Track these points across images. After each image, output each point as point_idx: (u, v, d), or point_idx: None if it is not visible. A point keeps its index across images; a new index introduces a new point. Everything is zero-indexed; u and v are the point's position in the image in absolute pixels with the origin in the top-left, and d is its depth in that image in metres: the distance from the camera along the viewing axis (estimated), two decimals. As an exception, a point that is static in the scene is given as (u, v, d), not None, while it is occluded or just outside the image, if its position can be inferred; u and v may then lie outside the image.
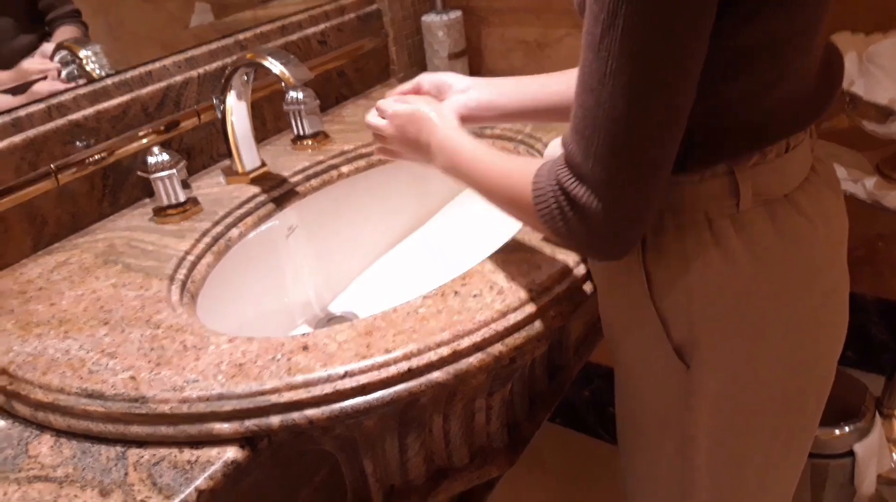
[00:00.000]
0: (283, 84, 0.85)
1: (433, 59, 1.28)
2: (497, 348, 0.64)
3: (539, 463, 1.59)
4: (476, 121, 0.78)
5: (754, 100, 0.56)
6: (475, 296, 0.68)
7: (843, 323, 0.68)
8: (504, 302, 0.67)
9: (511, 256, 0.74)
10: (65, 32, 0.96)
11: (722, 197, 0.59)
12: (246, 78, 0.91)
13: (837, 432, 1.16)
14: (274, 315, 0.95)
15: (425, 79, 0.81)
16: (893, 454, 1.40)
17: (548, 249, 0.74)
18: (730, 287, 0.60)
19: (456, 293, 0.69)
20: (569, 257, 0.72)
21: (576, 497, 1.53)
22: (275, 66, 0.85)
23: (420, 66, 1.32)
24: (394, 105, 0.76)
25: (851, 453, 1.16)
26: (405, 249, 1.08)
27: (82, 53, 0.99)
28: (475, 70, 1.36)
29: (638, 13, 0.47)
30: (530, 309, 0.67)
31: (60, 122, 0.86)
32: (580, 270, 0.72)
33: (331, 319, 0.99)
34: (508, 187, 0.61)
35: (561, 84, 0.76)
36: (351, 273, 1.04)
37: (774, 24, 0.53)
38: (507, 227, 0.81)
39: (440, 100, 0.78)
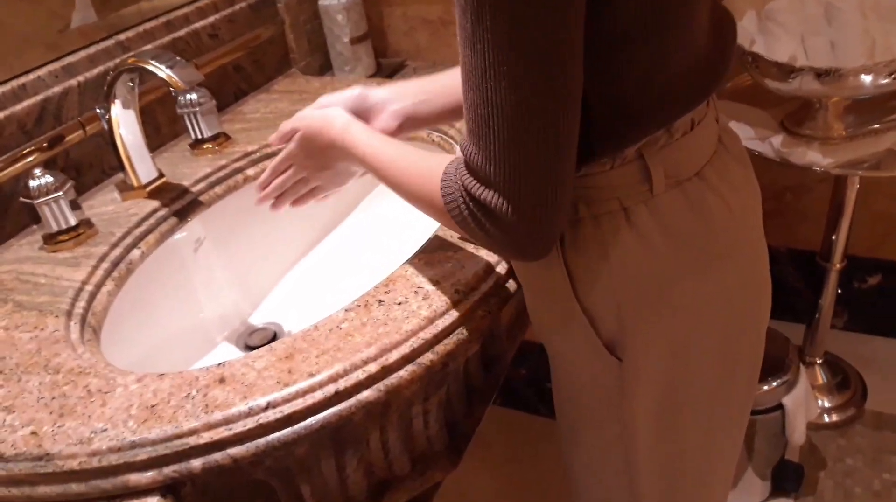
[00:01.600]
0: (171, 89, 0.79)
1: (335, 44, 1.23)
2: (428, 357, 0.61)
3: (482, 446, 1.59)
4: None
5: (648, 79, 0.55)
6: (400, 303, 0.65)
7: (767, 288, 0.69)
8: (430, 307, 0.64)
9: (433, 257, 0.71)
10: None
11: (634, 183, 0.58)
12: (131, 84, 0.84)
13: (766, 387, 1.19)
14: (190, 336, 0.89)
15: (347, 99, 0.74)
16: (819, 401, 1.46)
17: (470, 246, 0.71)
18: (650, 272, 0.59)
19: (380, 302, 0.66)
20: (492, 253, 0.70)
21: (524, 476, 1.54)
22: (160, 69, 0.78)
23: (321, 51, 1.26)
24: (293, 121, 0.72)
25: (780, 406, 1.20)
26: (323, 252, 1.04)
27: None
28: (381, 52, 1.31)
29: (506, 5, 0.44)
30: (458, 311, 0.64)
31: (-78, 149, 0.78)
32: (504, 265, 0.69)
33: (252, 332, 0.94)
34: (426, 191, 0.58)
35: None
36: (269, 281, 0.99)
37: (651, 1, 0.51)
38: (426, 224, 0.78)
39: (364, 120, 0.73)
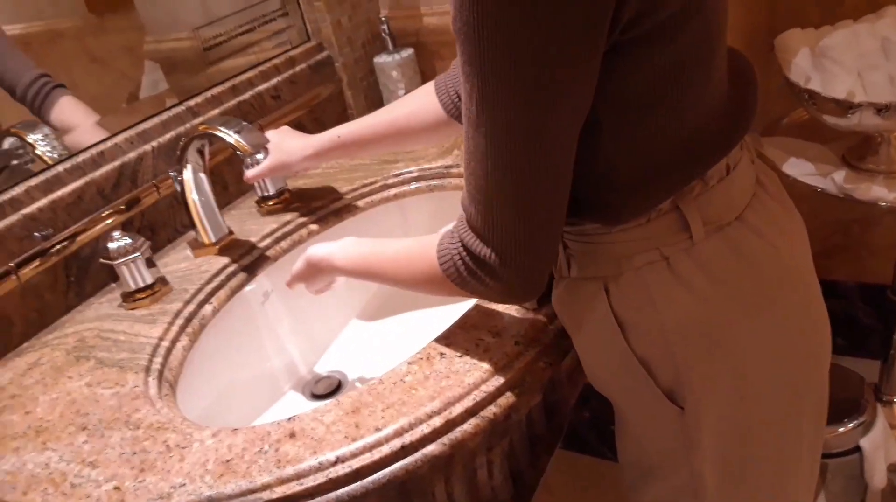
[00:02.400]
0: (238, 153, 0.83)
1: (390, 98, 1.27)
2: (491, 410, 0.62)
3: (546, 491, 1.57)
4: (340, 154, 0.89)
5: (670, 136, 0.56)
6: (461, 355, 0.66)
7: (824, 325, 0.68)
8: (492, 359, 0.65)
9: (491, 307, 0.72)
10: (62, 103, 0.92)
11: (673, 233, 0.58)
12: (201, 149, 0.89)
13: (841, 429, 1.15)
14: (259, 385, 0.92)
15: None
16: (897, 441, 1.40)
17: (529, 296, 0.72)
18: (701, 319, 0.59)
19: (441, 355, 0.67)
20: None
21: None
22: (228, 136, 0.83)
23: (377, 106, 1.30)
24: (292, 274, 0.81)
25: (858, 449, 1.15)
26: (384, 299, 1.06)
27: (31, 138, 0.96)
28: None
29: (505, 91, 0.48)
30: (520, 363, 0.65)
31: (14, 217, 0.83)
32: (565, 316, 0.70)
33: (318, 380, 0.96)
34: (423, 265, 0.62)
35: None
36: (332, 331, 1.02)
37: (662, 60, 0.53)
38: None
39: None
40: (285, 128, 0.97)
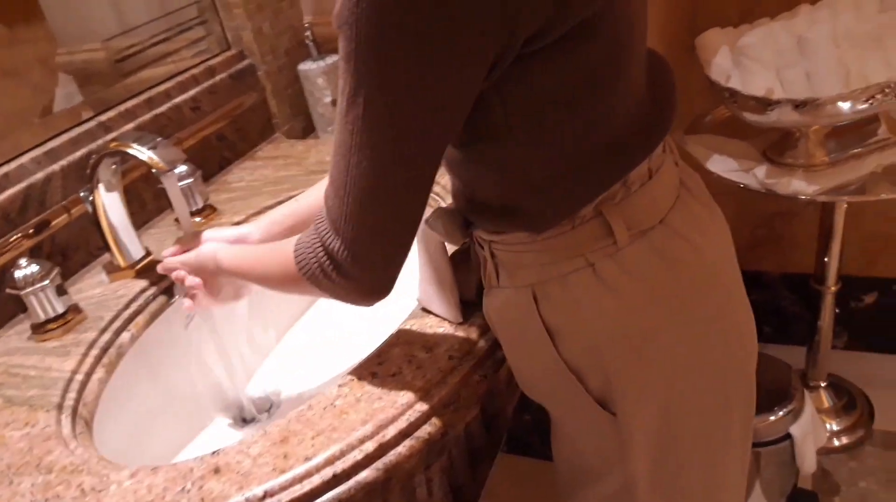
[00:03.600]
0: (153, 171, 0.79)
1: (316, 107, 1.24)
2: (426, 430, 0.60)
3: (490, 497, 1.56)
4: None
5: (585, 140, 0.56)
6: (394, 375, 0.64)
7: (749, 323, 0.69)
8: (425, 377, 0.63)
9: (425, 320, 0.70)
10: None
11: (597, 239, 0.58)
12: (114, 167, 0.85)
13: (772, 418, 1.18)
14: (185, 414, 0.88)
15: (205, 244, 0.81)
16: (826, 425, 1.45)
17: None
18: (627, 323, 0.60)
19: (373, 375, 0.65)
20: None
21: (533, 524, 1.51)
22: (142, 152, 0.79)
23: (304, 114, 1.27)
24: (179, 259, 0.79)
25: (788, 436, 1.18)
26: (315, 317, 1.03)
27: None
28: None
29: (374, 95, 0.49)
30: (454, 378, 0.64)
31: None
32: (498, 328, 0.69)
33: (247, 403, 0.92)
34: (281, 263, 0.62)
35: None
36: (261, 351, 0.98)
37: (572, 68, 0.52)
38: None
39: None
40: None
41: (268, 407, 0.91)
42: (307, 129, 1.28)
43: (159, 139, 0.80)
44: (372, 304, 0.59)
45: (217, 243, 0.76)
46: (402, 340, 0.68)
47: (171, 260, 0.79)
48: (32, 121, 0.95)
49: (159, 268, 0.82)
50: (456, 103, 0.51)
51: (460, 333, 0.68)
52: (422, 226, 0.68)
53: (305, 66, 1.21)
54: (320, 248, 0.57)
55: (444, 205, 0.89)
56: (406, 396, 0.61)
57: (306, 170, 1.08)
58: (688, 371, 0.62)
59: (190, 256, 0.77)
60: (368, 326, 0.92)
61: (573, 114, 0.54)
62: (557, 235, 0.58)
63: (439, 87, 0.49)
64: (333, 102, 1.23)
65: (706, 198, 0.67)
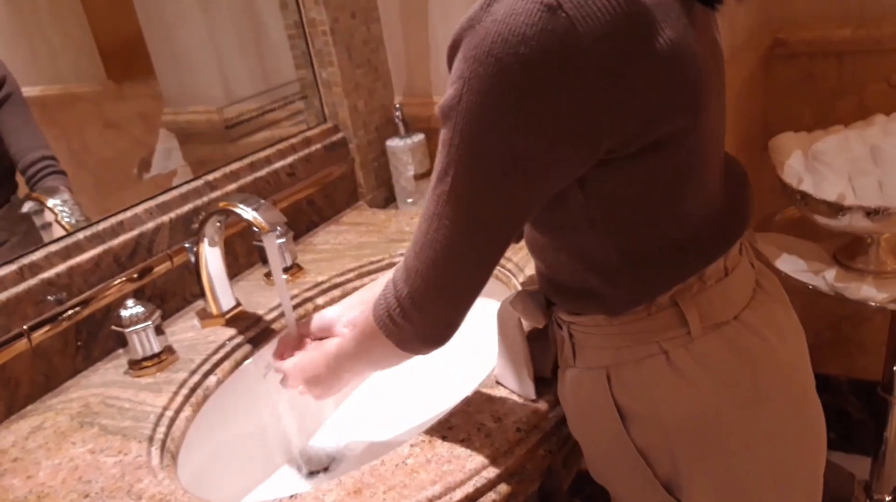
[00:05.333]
0: (255, 229, 0.86)
1: (399, 179, 1.32)
2: (490, 497, 0.63)
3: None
4: None
5: (665, 235, 0.60)
6: (463, 440, 0.68)
7: (820, 425, 0.69)
8: (493, 446, 0.66)
9: (494, 391, 0.74)
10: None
11: (672, 327, 0.61)
12: (219, 224, 0.92)
13: (832, 528, 1.15)
14: (254, 458, 0.93)
15: (312, 325, 0.89)
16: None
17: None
18: (698, 412, 0.62)
19: (444, 438, 0.68)
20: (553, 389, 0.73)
21: None
22: (247, 212, 0.86)
23: (387, 186, 1.35)
24: (287, 363, 0.85)
25: (848, 548, 1.15)
26: (383, 378, 1.07)
27: (51, 203, 1.00)
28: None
29: (462, 178, 0.55)
30: (521, 450, 0.67)
31: (33, 282, 0.86)
32: (565, 404, 0.72)
33: (311, 456, 0.96)
34: (365, 333, 0.70)
35: None
36: (328, 406, 1.03)
37: (657, 173, 0.57)
38: (486, 356, 0.82)
39: (330, 336, 0.86)
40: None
41: (329, 461, 0.95)
42: (388, 200, 1.36)
43: (262, 201, 0.88)
44: (429, 352, 0.66)
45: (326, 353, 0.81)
46: (472, 408, 0.72)
47: (285, 366, 0.86)
48: (130, 171, 1.03)
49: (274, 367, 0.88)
50: (532, 199, 0.57)
51: (529, 407, 0.71)
52: (501, 305, 0.72)
53: (393, 143, 1.30)
54: (391, 293, 0.64)
55: (518, 284, 0.94)
56: (474, 462, 0.65)
57: (386, 238, 1.14)
58: (758, 467, 0.63)
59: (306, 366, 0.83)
60: (433, 393, 0.96)
61: (649, 214, 0.59)
62: (633, 320, 0.61)
63: (520, 184, 0.55)
64: (415, 177, 1.30)
65: (783, 299, 0.69)
